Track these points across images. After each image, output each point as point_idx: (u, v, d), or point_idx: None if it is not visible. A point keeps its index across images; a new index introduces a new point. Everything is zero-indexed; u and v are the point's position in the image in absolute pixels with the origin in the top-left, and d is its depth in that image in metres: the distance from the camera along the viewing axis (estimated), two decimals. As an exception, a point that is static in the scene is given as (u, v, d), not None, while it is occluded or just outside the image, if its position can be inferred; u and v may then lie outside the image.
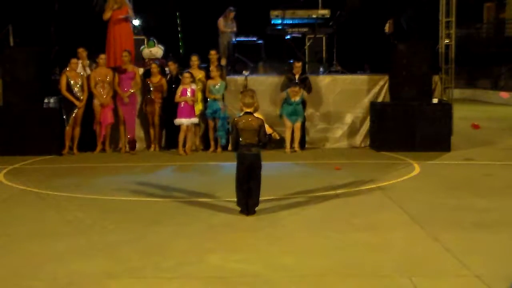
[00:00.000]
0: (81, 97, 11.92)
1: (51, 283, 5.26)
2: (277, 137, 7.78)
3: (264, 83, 12.82)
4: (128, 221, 7.17)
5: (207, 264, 5.65)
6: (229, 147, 11.79)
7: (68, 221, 7.22)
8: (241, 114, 7.44)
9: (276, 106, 12.42)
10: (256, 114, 7.61)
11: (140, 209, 7.83)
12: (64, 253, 5.99)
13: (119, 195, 8.51)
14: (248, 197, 7.32)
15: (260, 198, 7.50)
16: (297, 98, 12.10)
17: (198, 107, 12.09)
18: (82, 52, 12.44)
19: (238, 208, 7.39)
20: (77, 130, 12.05)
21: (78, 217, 7.34)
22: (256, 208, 7.43)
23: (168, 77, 12.43)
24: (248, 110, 7.36)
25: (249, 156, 7.27)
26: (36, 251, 6.08)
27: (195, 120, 12.01)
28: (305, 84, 12.26)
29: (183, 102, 11.83)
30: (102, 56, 12.20)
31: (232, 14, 14.38)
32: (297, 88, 12.07)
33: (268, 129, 7.58)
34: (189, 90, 11.80)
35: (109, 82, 12.07)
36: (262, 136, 7.31)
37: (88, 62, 12.57)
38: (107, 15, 12.70)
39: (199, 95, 12.11)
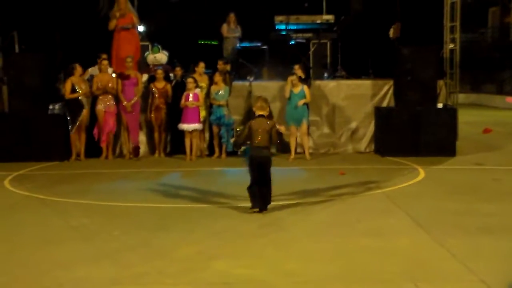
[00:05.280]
0: (85, 103, 11.97)
1: (56, 290, 5.27)
2: (283, 130, 8.19)
3: (269, 88, 12.82)
4: (133, 227, 7.17)
5: (212, 270, 5.64)
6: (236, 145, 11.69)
7: (73, 227, 7.22)
8: (255, 117, 7.71)
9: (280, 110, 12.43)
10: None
11: (145, 215, 7.83)
12: (69, 259, 6.00)
13: (124, 201, 8.52)
14: (261, 199, 7.56)
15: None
16: (298, 89, 11.92)
17: (202, 113, 12.10)
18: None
19: (243, 214, 7.40)
20: (83, 136, 12.09)
21: (83, 223, 7.35)
22: (260, 214, 7.49)
23: (173, 82, 12.46)
24: (261, 113, 7.66)
25: (262, 157, 7.54)
26: (41, 258, 6.08)
27: (198, 126, 11.99)
28: (305, 81, 12.26)
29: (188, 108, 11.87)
30: (105, 62, 12.21)
31: (232, 17, 14.37)
32: (294, 76, 11.93)
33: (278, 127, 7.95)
34: (191, 95, 11.83)
35: (111, 89, 12.07)
36: (274, 137, 7.60)
37: (90, 71, 12.62)
38: (111, 25, 12.74)
39: (203, 102, 12.11)
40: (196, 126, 11.95)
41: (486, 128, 16.48)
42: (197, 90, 11.93)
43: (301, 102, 11.87)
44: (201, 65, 12.39)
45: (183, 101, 11.88)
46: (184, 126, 11.88)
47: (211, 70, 12.77)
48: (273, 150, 11.89)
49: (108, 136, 12.15)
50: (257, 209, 7.52)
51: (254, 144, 7.56)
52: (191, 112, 11.88)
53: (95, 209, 8.16)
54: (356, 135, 12.99)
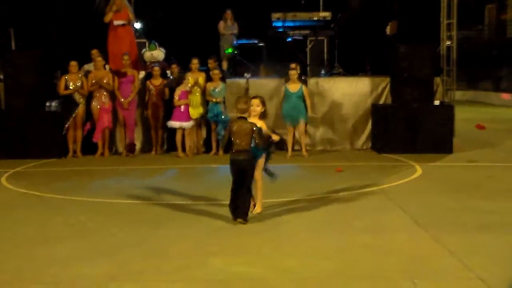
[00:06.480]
0: (80, 100, 11.96)
1: (54, 287, 5.26)
2: (277, 138, 7.73)
3: (266, 85, 12.81)
4: (130, 224, 7.17)
5: (209, 268, 5.64)
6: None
7: (70, 224, 7.22)
8: (236, 119, 7.32)
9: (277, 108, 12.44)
10: (261, 121, 7.53)
11: (142, 212, 7.83)
12: (66, 256, 5.99)
13: (121, 198, 8.51)
14: (236, 203, 7.14)
15: (262, 201, 7.51)
16: (296, 88, 11.88)
17: (199, 110, 12.09)
18: (94, 54, 12.44)
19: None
20: (79, 133, 12.09)
21: (81, 221, 7.34)
22: (258, 211, 7.47)
23: (170, 79, 12.44)
24: (242, 115, 7.21)
25: (239, 161, 7.10)
26: (38, 255, 6.07)
27: (193, 123, 12.03)
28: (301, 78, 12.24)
29: (183, 106, 11.88)
30: (99, 59, 12.21)
31: (229, 14, 14.34)
32: (294, 72, 11.87)
33: (266, 131, 7.51)
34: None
35: (106, 85, 12.05)
36: (258, 140, 7.10)
37: (86, 68, 12.63)
38: (107, 18, 12.75)
39: (200, 98, 12.10)
40: (191, 123, 11.99)
41: (479, 124, 16.49)
42: (187, 87, 11.93)
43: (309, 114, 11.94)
44: (194, 61, 12.33)
45: (177, 99, 11.87)
46: (184, 124, 11.90)
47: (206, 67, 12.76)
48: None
49: (103, 133, 12.15)
50: (233, 219, 7.09)
51: (233, 148, 7.13)
52: (187, 109, 11.94)
53: (92, 206, 8.15)
54: (353, 132, 13.00)
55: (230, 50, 14.13)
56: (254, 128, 7.10)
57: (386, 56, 13.07)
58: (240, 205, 7.08)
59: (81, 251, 6.17)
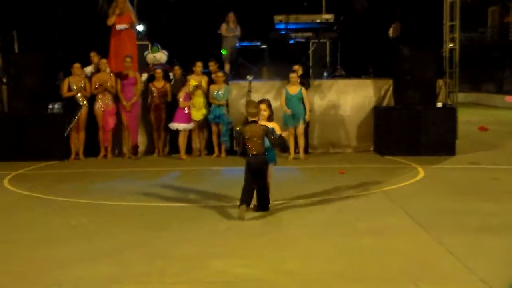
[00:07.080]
0: (83, 102, 11.97)
1: (56, 289, 5.27)
2: (286, 134, 8.04)
3: (268, 88, 12.80)
4: (132, 226, 7.17)
5: (212, 269, 5.64)
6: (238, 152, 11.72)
7: (72, 226, 7.22)
8: (247, 123, 7.60)
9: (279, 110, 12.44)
10: (273, 122, 7.74)
11: (145, 214, 7.83)
12: (69, 258, 6.00)
13: (123, 201, 8.52)
14: (257, 197, 7.57)
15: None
16: (296, 91, 11.85)
17: (202, 112, 12.11)
18: (93, 56, 12.50)
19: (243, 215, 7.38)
20: (82, 135, 12.09)
21: (83, 223, 7.34)
22: (261, 213, 7.53)
23: (173, 82, 12.45)
24: (253, 119, 7.52)
25: (256, 163, 7.44)
26: (41, 257, 6.08)
27: (192, 124, 12.07)
28: (303, 82, 12.18)
29: (186, 108, 11.92)
30: (104, 61, 12.24)
31: (232, 16, 14.34)
32: (294, 74, 11.90)
33: (277, 129, 7.79)
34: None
35: (110, 88, 12.07)
36: (272, 140, 7.49)
37: (89, 70, 12.66)
38: (110, 21, 12.76)
39: (203, 100, 12.12)
40: (191, 125, 12.03)
41: (482, 126, 16.49)
42: (186, 89, 11.99)
43: (307, 117, 11.88)
44: (198, 64, 12.33)
45: (181, 100, 11.91)
46: (186, 126, 11.96)
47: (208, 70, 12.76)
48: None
49: (108, 135, 12.16)
50: (244, 207, 7.31)
51: (249, 151, 7.47)
52: (190, 111, 11.97)
53: (95, 208, 8.16)
54: (356, 134, 12.98)
55: (225, 52, 14.18)
56: (266, 131, 7.44)
57: (389, 58, 13.05)
58: (261, 199, 7.55)
59: (84, 253, 6.17)
